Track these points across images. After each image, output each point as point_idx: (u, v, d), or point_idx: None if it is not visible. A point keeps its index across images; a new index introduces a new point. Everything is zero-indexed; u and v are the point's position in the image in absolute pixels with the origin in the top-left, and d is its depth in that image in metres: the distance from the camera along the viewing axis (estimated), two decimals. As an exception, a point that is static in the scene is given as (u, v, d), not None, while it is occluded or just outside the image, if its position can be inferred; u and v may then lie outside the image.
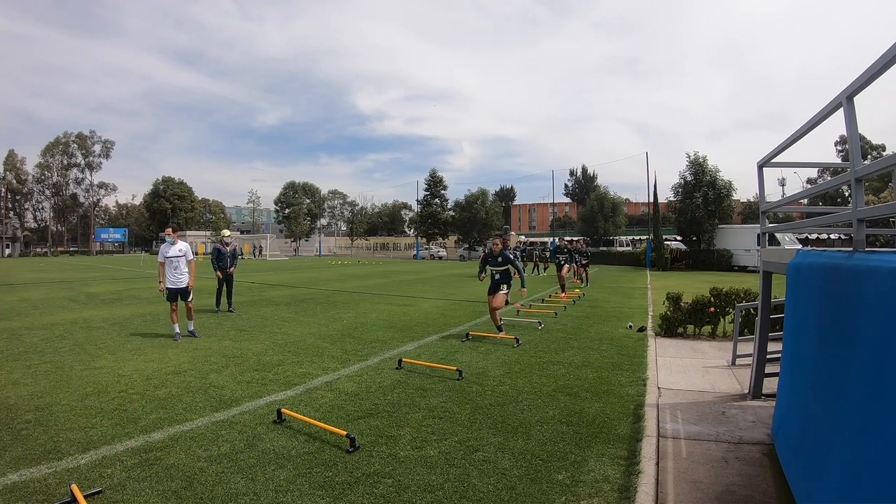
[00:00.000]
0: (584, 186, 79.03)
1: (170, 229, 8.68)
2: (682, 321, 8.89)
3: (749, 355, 6.27)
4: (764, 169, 5.13)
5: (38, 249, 72.12)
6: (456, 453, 3.80)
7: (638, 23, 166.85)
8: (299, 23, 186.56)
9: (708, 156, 33.22)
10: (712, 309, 8.69)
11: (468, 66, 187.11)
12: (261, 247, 62.55)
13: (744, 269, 28.35)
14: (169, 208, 72.15)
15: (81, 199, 76.83)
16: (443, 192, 62.66)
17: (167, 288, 8.36)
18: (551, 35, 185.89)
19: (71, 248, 73.92)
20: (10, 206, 72.96)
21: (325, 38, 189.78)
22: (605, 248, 43.43)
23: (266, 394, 5.31)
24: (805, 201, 30.99)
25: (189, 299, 8.51)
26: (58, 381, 5.74)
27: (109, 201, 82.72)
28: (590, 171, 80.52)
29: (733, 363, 6.77)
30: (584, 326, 9.72)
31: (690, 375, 6.25)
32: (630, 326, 9.54)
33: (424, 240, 62.26)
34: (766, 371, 5.27)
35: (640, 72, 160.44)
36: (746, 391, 5.47)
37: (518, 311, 11.43)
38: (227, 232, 11.78)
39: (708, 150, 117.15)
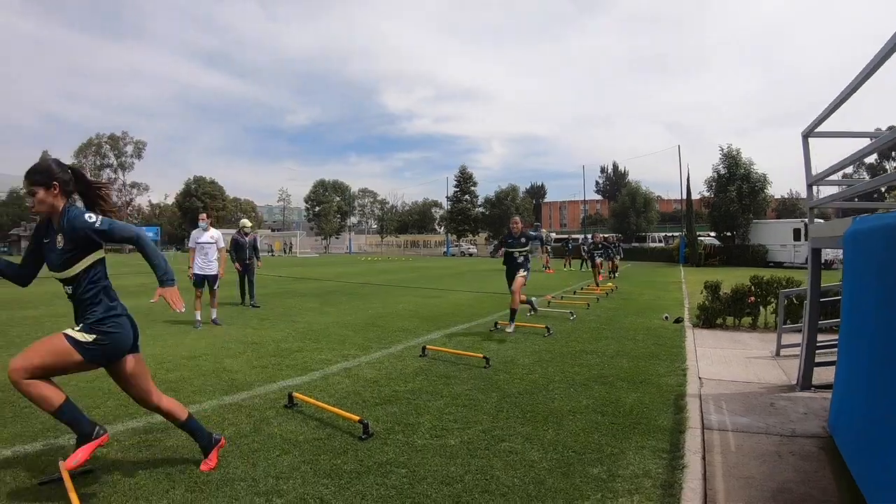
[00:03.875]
0: (614, 183, 77.90)
1: (204, 214, 8.68)
2: (721, 311, 8.39)
3: (794, 346, 5.91)
4: (809, 139, 4.77)
5: (72, 247, 73.75)
6: (479, 443, 3.46)
7: (665, 17, 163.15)
8: (326, 24, 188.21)
9: (741, 148, 32.23)
10: (752, 299, 8.17)
11: (496, 64, 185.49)
12: (291, 244, 63.18)
13: (779, 266, 27.22)
14: (200, 207, 73.16)
15: (114, 199, 78.29)
16: (472, 188, 62.29)
17: (194, 273, 8.25)
18: (578, 31, 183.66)
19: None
20: (44, 206, 74.78)
21: (353, 39, 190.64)
22: (637, 245, 42.43)
23: (280, 378, 5.06)
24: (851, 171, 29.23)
25: (216, 286, 8.40)
26: (70, 363, 5.58)
27: (142, 201, 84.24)
28: (620, 167, 79.33)
29: (777, 354, 6.34)
30: (618, 317, 9.29)
31: (733, 366, 5.85)
32: (666, 317, 9.09)
33: (454, 237, 61.93)
34: (816, 360, 4.87)
35: (668, 67, 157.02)
36: (794, 382, 5.08)
37: (549, 303, 11.02)
38: (247, 222, 11.48)
39: (740, 145, 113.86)
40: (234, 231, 11.28)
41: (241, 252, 10.99)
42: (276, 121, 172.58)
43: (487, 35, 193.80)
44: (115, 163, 76.38)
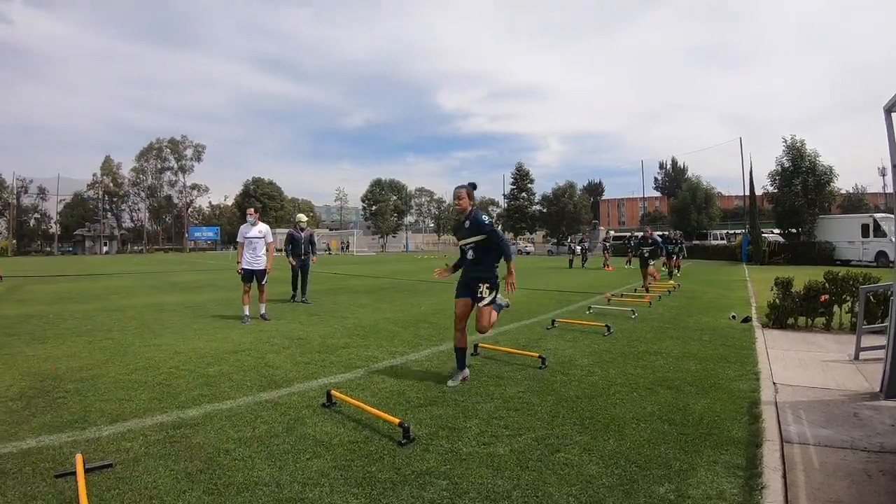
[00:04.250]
0: (673, 179, 75.16)
1: (252, 209, 8.57)
2: (792, 310, 7.65)
3: (875, 348, 5.36)
4: (893, 114, 4.23)
5: (135, 248, 76.05)
6: (531, 453, 3.09)
7: (724, 6, 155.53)
8: (380, 26, 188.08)
9: (805, 139, 30.13)
10: (825, 297, 7.36)
11: (552, 62, 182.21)
12: (348, 242, 64.17)
13: (846, 263, 25.18)
14: (259, 207, 73.99)
15: (175, 200, 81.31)
16: (529, 185, 61.11)
17: (243, 268, 8.16)
18: (635, 26, 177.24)
19: (166, 246, 77.00)
20: (107, 207, 77.34)
21: (408, 40, 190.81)
22: (698, 242, 40.54)
23: (322, 375, 4.82)
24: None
25: (263, 281, 8.31)
26: (113, 355, 5.59)
27: (202, 202, 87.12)
28: (679, 162, 76.44)
29: (856, 357, 5.69)
30: (682, 316, 8.66)
31: (809, 370, 5.28)
32: (733, 317, 8.41)
33: (511, 235, 60.91)
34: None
35: (728, 59, 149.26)
36: (877, 389, 4.49)
37: (609, 301, 10.46)
38: (302, 217, 11.31)
39: (803, 136, 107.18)
40: (292, 229, 11.17)
41: (296, 247, 10.84)
42: (332, 122, 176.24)
43: (543, 32, 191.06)
44: (175, 166, 79.47)
